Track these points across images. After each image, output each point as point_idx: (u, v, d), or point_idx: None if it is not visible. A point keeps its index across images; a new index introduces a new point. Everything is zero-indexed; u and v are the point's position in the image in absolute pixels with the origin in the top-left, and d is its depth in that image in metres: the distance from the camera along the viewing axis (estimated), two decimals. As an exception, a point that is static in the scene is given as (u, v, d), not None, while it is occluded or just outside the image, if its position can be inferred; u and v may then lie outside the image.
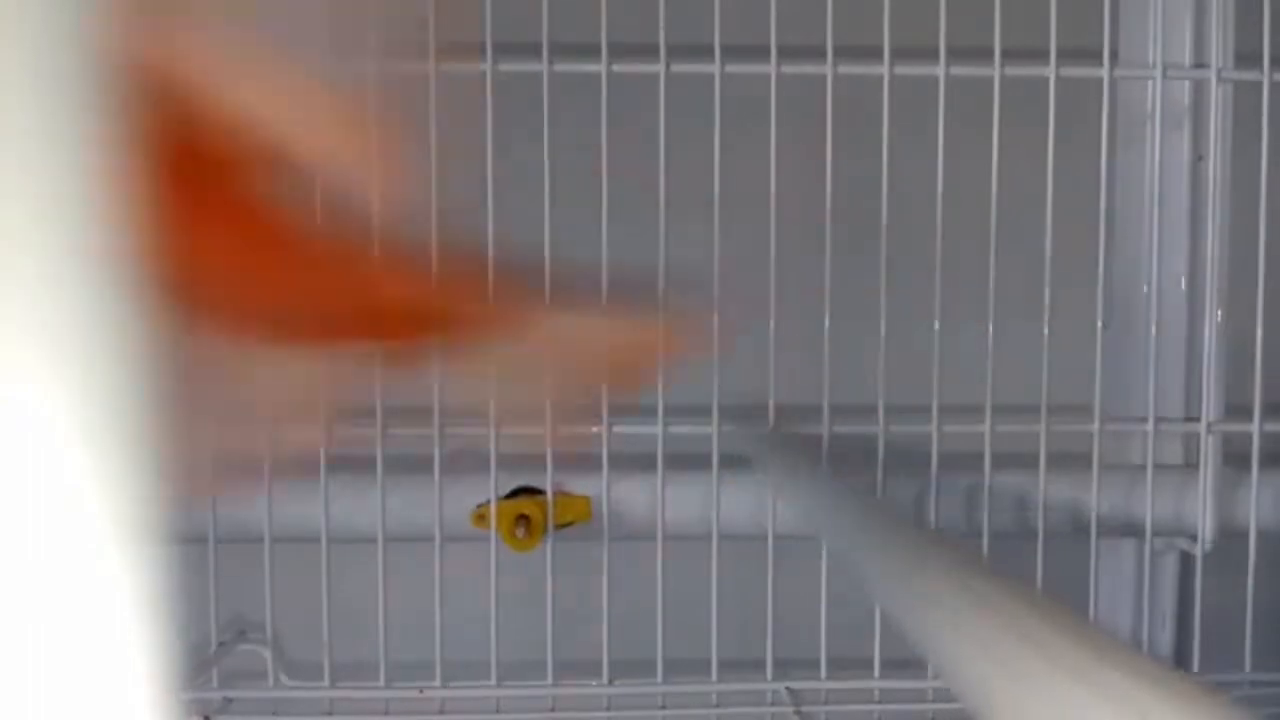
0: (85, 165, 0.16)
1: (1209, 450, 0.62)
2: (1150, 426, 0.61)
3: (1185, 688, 0.19)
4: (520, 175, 0.58)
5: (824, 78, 0.58)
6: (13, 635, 0.16)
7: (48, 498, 0.16)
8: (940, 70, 0.58)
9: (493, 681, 0.60)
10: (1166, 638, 0.67)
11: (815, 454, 0.59)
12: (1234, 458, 0.62)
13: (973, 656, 0.24)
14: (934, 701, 0.59)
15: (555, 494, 0.60)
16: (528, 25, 0.57)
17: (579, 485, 0.61)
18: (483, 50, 0.57)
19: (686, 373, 0.58)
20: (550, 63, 0.58)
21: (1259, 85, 0.59)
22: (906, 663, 0.59)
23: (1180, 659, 0.67)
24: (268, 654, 0.61)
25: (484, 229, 0.57)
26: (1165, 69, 0.60)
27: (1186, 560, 0.67)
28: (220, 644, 0.60)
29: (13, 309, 0.15)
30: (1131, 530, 0.63)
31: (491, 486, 0.59)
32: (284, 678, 0.61)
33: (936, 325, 0.59)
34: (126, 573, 0.16)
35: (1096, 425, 0.60)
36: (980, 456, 0.60)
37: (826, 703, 0.61)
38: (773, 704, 0.60)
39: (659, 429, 0.60)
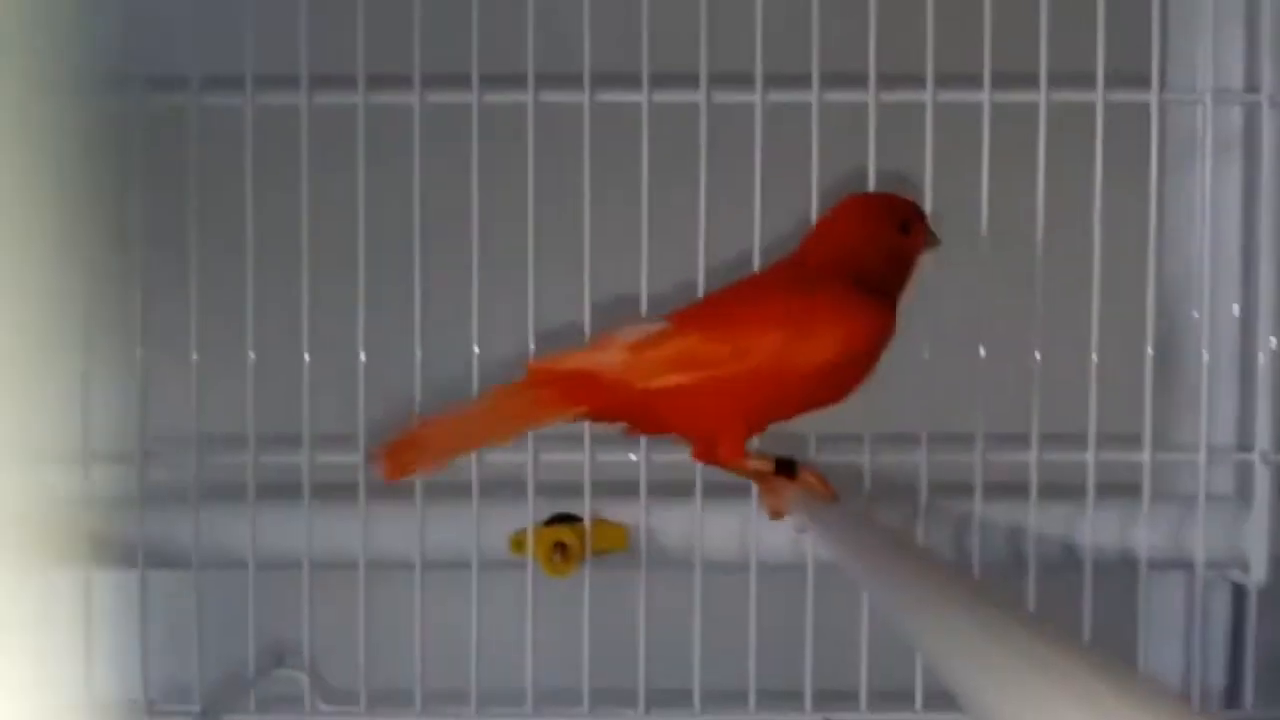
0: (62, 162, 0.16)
1: (1263, 480, 0.60)
2: (1202, 456, 0.60)
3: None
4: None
5: (865, 105, 0.57)
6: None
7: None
8: (985, 96, 0.57)
9: (529, 709, 0.60)
10: (1218, 673, 0.65)
11: (853, 488, 0.59)
12: (1288, 488, 0.61)
13: (1013, 709, 0.24)
14: (976, 735, 0.58)
15: (593, 521, 0.60)
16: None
17: (616, 513, 0.61)
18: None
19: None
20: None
21: (1312, 109, 0.58)
22: (949, 695, 0.58)
23: (1232, 695, 0.65)
24: (305, 680, 0.61)
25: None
26: (1215, 93, 0.59)
27: (1239, 593, 0.65)
28: (258, 669, 0.61)
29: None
30: (1182, 563, 0.62)
31: (529, 513, 0.59)
32: (321, 704, 0.61)
33: (982, 351, 0.58)
34: (49, 599, 0.16)
35: (1147, 455, 0.59)
36: (1025, 487, 0.59)
37: (866, 735, 0.60)
38: (812, 736, 0.59)
39: (697, 457, 0.59)
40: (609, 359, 0.48)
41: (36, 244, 0.16)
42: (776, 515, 0.53)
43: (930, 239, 0.52)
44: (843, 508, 0.50)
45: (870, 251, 0.51)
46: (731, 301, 0.50)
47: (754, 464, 0.50)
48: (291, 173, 0.58)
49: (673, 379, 0.48)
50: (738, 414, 0.49)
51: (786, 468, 0.52)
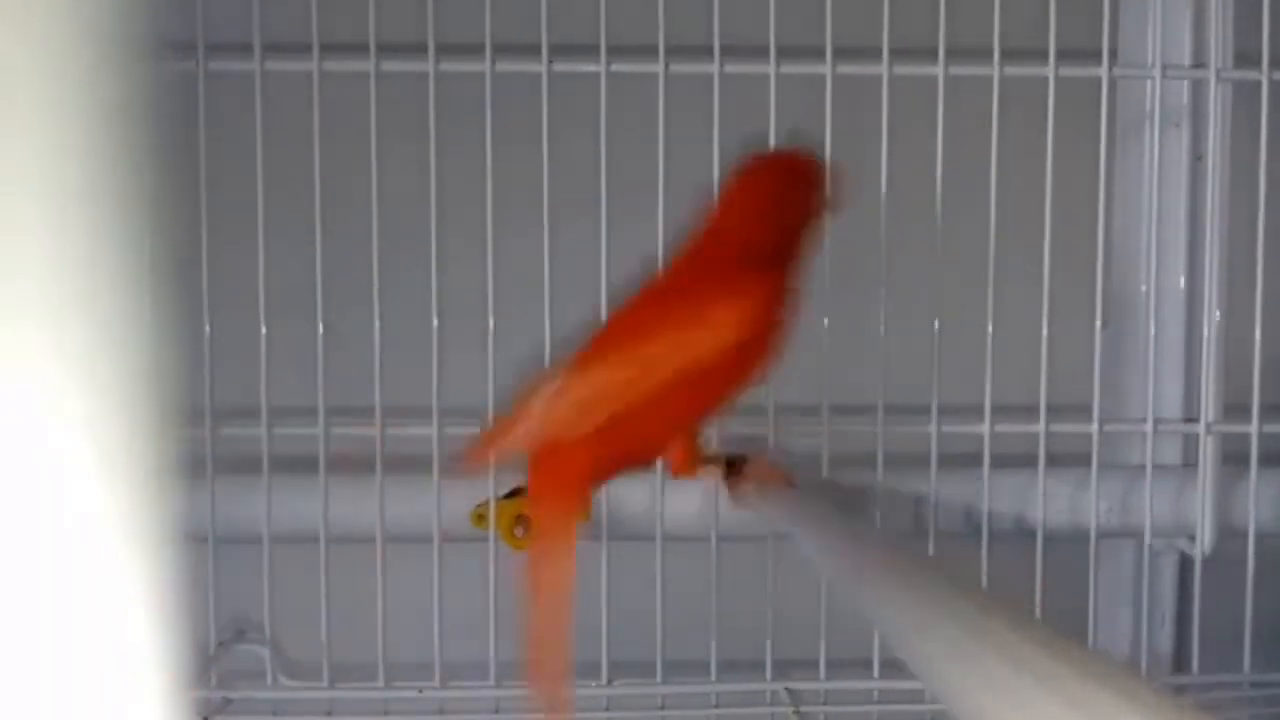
0: (108, 158, 0.16)
1: (1208, 451, 0.62)
2: (1149, 427, 0.61)
3: (1177, 712, 0.19)
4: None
5: (823, 77, 0.58)
6: (29, 633, 0.16)
7: (61, 496, 0.16)
8: (939, 70, 0.58)
9: (491, 682, 0.60)
10: (1165, 638, 0.67)
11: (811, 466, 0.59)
12: (1233, 458, 0.62)
13: (968, 684, 0.24)
14: (932, 702, 0.59)
15: (554, 494, 0.60)
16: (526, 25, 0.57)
17: (578, 485, 0.61)
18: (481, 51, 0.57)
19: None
20: (550, 62, 0.58)
21: (1258, 85, 0.59)
22: (905, 664, 0.59)
23: (1179, 660, 0.67)
24: (267, 654, 0.61)
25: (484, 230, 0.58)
26: (1164, 69, 0.60)
27: (1186, 561, 0.67)
28: (219, 644, 0.60)
29: (29, 309, 0.15)
30: (1130, 531, 0.63)
31: (490, 486, 0.59)
32: (283, 678, 0.61)
33: (936, 325, 0.59)
34: (140, 572, 0.16)
35: (1095, 426, 0.60)
36: (979, 457, 0.60)
37: (825, 703, 0.61)
38: (772, 704, 0.60)
39: (658, 429, 0.59)
40: (531, 429, 0.46)
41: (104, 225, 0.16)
42: (739, 499, 0.53)
43: (830, 202, 0.49)
44: (796, 494, 0.51)
45: (759, 220, 0.48)
46: (624, 321, 0.49)
47: (702, 473, 0.50)
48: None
49: (595, 419, 0.46)
50: (670, 426, 0.48)
51: (736, 463, 0.52)
